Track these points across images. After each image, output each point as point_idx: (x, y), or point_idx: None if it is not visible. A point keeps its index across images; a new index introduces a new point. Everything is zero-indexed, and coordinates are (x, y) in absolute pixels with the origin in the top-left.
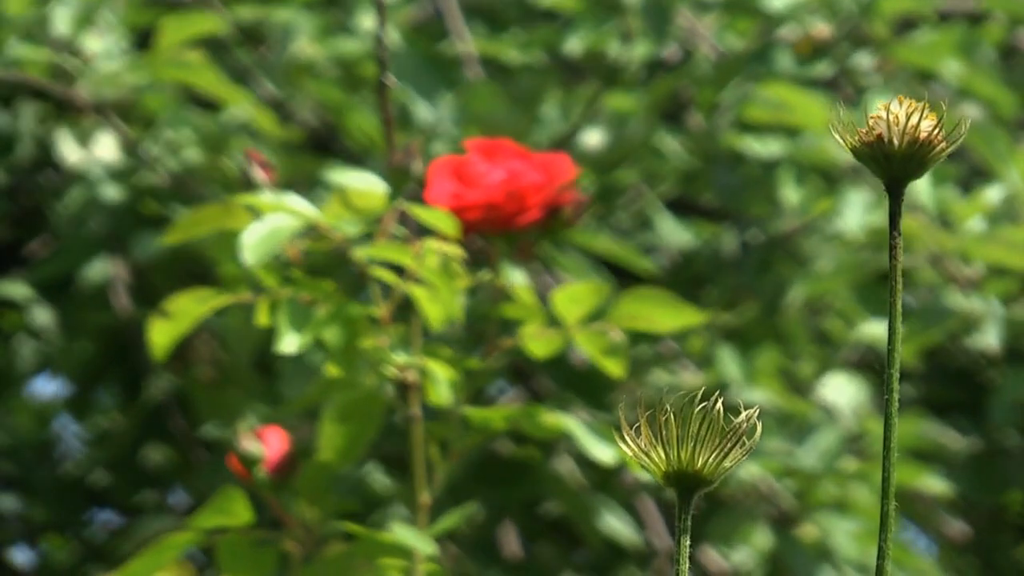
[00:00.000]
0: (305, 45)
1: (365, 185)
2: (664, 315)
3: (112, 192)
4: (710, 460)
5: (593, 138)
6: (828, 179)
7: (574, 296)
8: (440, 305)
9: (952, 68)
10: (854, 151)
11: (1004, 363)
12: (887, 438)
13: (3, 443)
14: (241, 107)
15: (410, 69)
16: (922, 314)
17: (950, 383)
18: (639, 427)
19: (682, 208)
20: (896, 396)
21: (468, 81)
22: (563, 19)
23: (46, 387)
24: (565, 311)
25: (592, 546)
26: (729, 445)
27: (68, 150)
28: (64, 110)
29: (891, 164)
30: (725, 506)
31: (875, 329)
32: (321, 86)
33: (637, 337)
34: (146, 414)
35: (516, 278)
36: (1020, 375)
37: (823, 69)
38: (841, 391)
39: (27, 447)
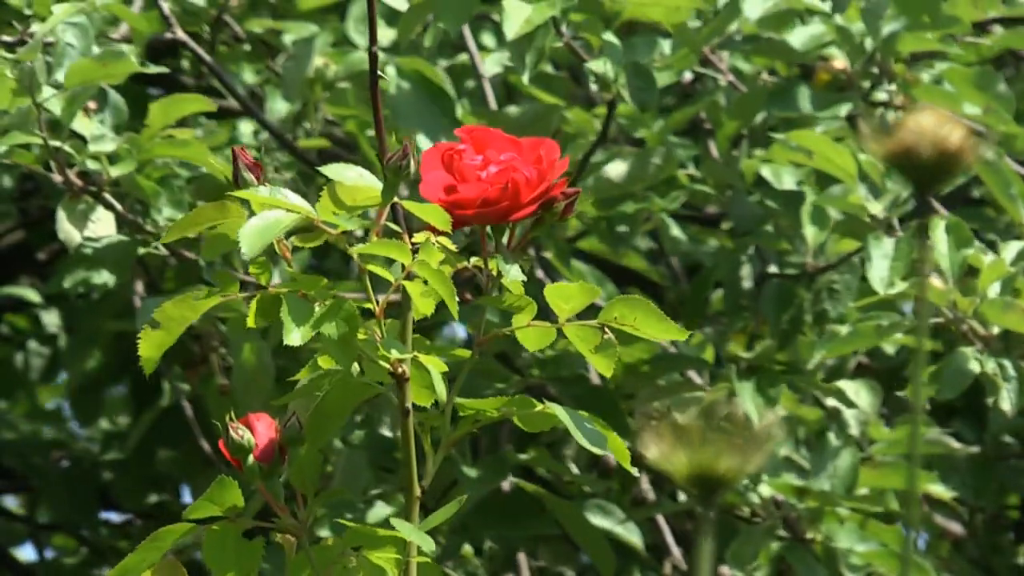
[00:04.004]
0: (319, 58)
1: (358, 180)
2: (650, 324)
3: (107, 278)
4: (732, 463)
5: (615, 169)
6: (854, 224)
7: (564, 293)
8: (433, 300)
9: (971, 109)
10: (884, 158)
11: None
12: (912, 445)
13: (12, 444)
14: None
15: (410, 108)
16: (936, 377)
17: None
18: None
19: (690, 218)
20: (920, 402)
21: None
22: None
23: (56, 389)
24: (556, 307)
25: (604, 568)
26: (750, 449)
27: (69, 232)
28: (59, 192)
29: (920, 172)
30: (740, 525)
31: None
32: (336, 100)
33: (662, 366)
34: (158, 418)
35: (509, 271)
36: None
37: (845, 109)
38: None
39: (36, 448)
